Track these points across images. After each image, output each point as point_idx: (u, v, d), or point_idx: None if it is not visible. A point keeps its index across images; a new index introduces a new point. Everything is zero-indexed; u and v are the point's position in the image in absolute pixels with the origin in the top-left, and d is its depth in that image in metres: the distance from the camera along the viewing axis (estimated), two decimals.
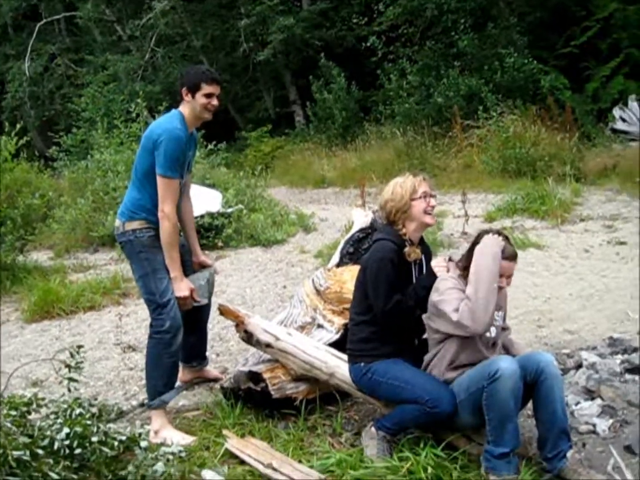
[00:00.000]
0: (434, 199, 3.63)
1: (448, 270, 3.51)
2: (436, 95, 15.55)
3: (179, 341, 4.03)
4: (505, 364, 3.15)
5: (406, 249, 3.55)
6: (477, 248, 3.37)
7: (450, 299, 3.31)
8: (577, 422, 3.66)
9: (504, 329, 3.64)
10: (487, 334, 3.41)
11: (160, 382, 4.00)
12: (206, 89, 4.01)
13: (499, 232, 3.46)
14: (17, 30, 25.64)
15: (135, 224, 4.04)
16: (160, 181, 3.93)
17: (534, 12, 16.18)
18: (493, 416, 3.15)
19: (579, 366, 4.31)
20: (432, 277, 3.50)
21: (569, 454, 3.22)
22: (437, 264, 3.57)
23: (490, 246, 3.34)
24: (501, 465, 3.14)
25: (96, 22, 23.56)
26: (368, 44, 17.22)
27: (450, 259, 3.62)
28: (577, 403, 3.83)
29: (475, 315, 3.19)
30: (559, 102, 13.94)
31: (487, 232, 3.48)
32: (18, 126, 8.77)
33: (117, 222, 4.14)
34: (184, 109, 4.09)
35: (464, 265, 3.46)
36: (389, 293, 3.46)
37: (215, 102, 4.07)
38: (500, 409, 3.13)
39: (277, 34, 19.24)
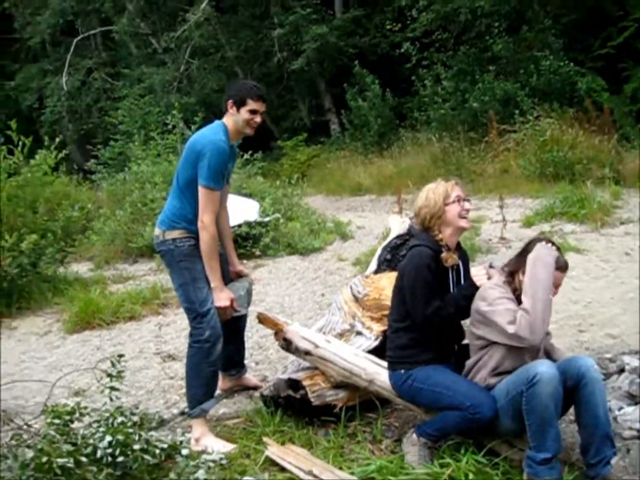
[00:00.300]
0: (468, 203, 3.62)
1: (489, 278, 3.48)
2: (471, 100, 15.44)
3: (218, 350, 4.04)
4: (543, 368, 3.12)
5: (443, 255, 3.54)
6: (531, 257, 3.32)
7: (502, 309, 3.27)
8: (621, 428, 3.58)
9: (547, 333, 3.59)
10: None
11: (200, 390, 4.02)
12: (251, 105, 4.05)
13: (550, 241, 3.43)
14: (54, 46, 26.08)
15: (175, 233, 4.07)
16: (202, 192, 3.94)
17: (569, 13, 15.99)
18: (533, 421, 3.12)
19: (621, 370, 4.23)
20: (474, 286, 3.47)
21: (613, 461, 3.17)
22: (477, 272, 3.54)
23: (545, 256, 3.30)
24: (544, 471, 3.10)
25: (131, 36, 23.86)
26: (402, 51, 17.16)
27: (491, 266, 3.59)
28: (620, 408, 3.76)
29: (534, 328, 3.16)
30: (597, 104, 13.74)
31: (539, 240, 3.44)
32: (57, 140, 8.92)
33: (157, 231, 4.17)
34: (228, 120, 4.12)
35: (510, 271, 3.44)
36: (428, 299, 3.44)
37: (258, 119, 4.10)
38: (540, 414, 3.09)
39: (311, 42, 19.30)
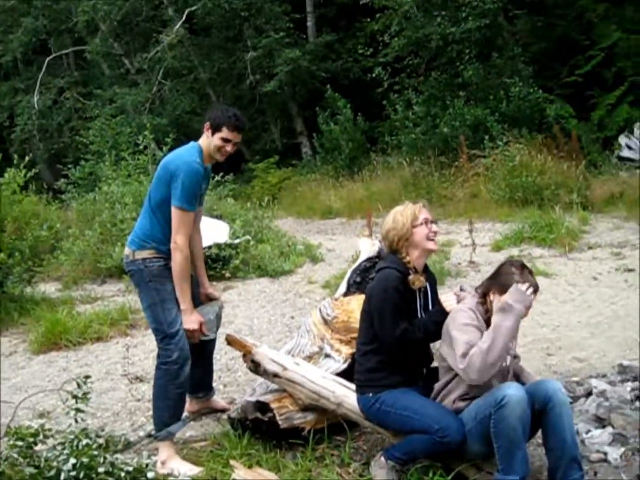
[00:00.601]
0: (435, 225, 3.65)
1: (459, 302, 3.49)
2: (442, 125, 15.60)
3: (186, 372, 4.01)
4: (512, 391, 3.13)
5: (410, 277, 3.55)
6: (504, 302, 3.26)
7: (462, 339, 3.25)
8: (588, 451, 3.62)
9: (515, 357, 3.61)
10: (503, 364, 3.38)
11: (166, 413, 3.98)
12: (225, 133, 4.02)
13: (523, 266, 3.41)
14: (26, 65, 25.95)
15: (145, 253, 4.04)
16: (175, 213, 3.93)
17: (538, 42, 16.28)
18: (501, 443, 3.13)
19: (588, 394, 4.28)
20: (443, 313, 3.48)
21: None
22: (447, 298, 3.55)
23: (517, 304, 3.23)
24: None
25: (104, 56, 23.79)
26: (374, 75, 17.31)
27: (461, 289, 3.61)
28: (588, 431, 3.80)
29: (482, 372, 3.16)
30: (565, 130, 13.95)
31: (511, 263, 3.45)
32: (27, 159, 8.84)
33: (127, 251, 4.14)
34: (203, 142, 4.12)
35: (483, 292, 3.45)
36: (396, 321, 3.46)
37: (229, 148, 4.07)
38: (508, 436, 3.10)
39: (283, 66, 19.39)
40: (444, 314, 3.47)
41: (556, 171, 12.34)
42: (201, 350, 4.42)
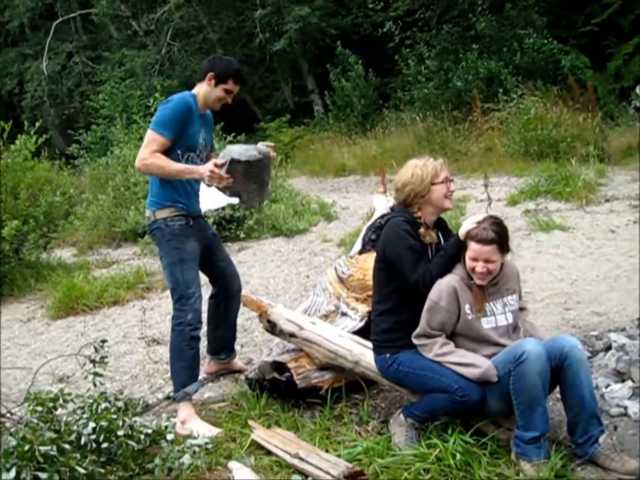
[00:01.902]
0: (452, 184, 3.56)
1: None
2: (455, 79, 15.39)
3: (199, 333, 4.02)
4: (530, 346, 3.10)
5: (421, 230, 3.47)
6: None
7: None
8: (608, 405, 3.59)
9: (521, 309, 3.55)
10: (504, 322, 3.36)
11: (183, 374, 3.99)
12: (230, 85, 4.05)
13: (490, 216, 3.40)
14: (34, 30, 25.74)
15: (165, 212, 4.03)
16: (147, 134, 3.93)
17: None
18: (521, 400, 3.11)
19: (608, 348, 4.23)
20: (458, 246, 3.38)
21: (600, 439, 3.17)
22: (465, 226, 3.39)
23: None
24: (531, 450, 3.09)
25: (112, 19, 23.57)
26: (384, 30, 17.06)
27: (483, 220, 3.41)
28: (607, 385, 3.77)
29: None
30: (581, 82, 13.71)
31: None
32: (37, 125, 8.79)
33: (148, 212, 4.14)
34: (199, 90, 4.09)
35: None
36: (415, 261, 3.39)
37: (229, 100, 4.10)
38: (528, 392, 3.08)
39: (293, 23, 19.09)
40: (457, 246, 3.38)
41: (572, 123, 12.17)
42: (225, 310, 4.46)
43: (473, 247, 3.26)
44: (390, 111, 17.61)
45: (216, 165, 3.76)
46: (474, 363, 3.24)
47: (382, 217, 5.25)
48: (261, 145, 4.01)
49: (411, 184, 3.49)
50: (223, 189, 3.86)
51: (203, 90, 4.07)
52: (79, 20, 25.26)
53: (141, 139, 11.86)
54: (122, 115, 14.95)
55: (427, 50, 16.61)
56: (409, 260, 3.39)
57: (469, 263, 3.29)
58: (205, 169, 3.79)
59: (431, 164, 3.52)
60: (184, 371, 4.00)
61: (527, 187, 9.82)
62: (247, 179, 3.88)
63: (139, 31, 23.16)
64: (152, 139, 3.89)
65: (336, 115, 19.13)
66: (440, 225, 3.66)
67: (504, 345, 3.30)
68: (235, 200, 4.08)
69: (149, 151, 3.86)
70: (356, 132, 17.65)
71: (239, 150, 3.86)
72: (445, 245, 3.50)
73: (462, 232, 3.35)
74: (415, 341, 3.39)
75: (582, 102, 12.82)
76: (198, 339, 4.03)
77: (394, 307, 3.51)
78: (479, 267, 3.26)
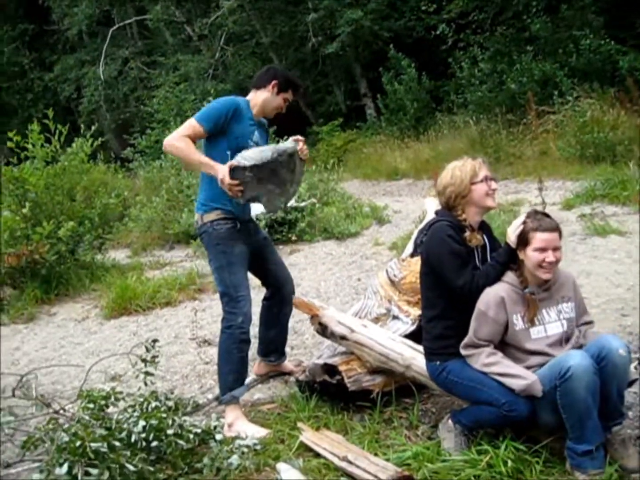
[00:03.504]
0: (494, 182, 3.47)
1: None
2: (509, 81, 15.21)
3: (249, 336, 4.02)
4: (575, 361, 2.97)
5: (467, 234, 3.40)
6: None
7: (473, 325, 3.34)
8: None
9: (588, 322, 3.43)
10: (558, 329, 3.27)
11: (230, 376, 3.99)
12: (290, 95, 4.22)
13: (535, 211, 3.33)
14: (91, 37, 26.34)
15: (212, 216, 4.05)
16: (188, 121, 3.99)
17: None
18: (570, 415, 3.01)
19: None
20: (508, 253, 3.31)
21: (614, 429, 3.15)
22: (513, 230, 3.32)
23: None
24: (586, 462, 2.99)
25: (166, 24, 23.98)
26: (438, 33, 16.95)
27: (528, 216, 3.34)
28: None
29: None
30: (639, 83, 13.42)
31: (526, 215, 3.32)
32: (93, 128, 8.96)
33: (196, 216, 4.18)
34: (257, 96, 4.16)
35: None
36: (459, 268, 3.32)
37: (284, 109, 4.27)
38: (577, 408, 2.98)
39: (346, 27, 19.10)
40: (509, 254, 3.31)
41: (629, 126, 11.89)
42: (277, 312, 4.46)
43: (540, 237, 3.18)
44: (443, 114, 17.51)
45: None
46: (520, 375, 3.15)
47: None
48: (289, 142, 4.00)
49: (451, 185, 3.44)
50: (239, 199, 3.85)
51: (263, 97, 4.14)
52: (134, 26, 25.76)
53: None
54: (177, 119, 15.14)
55: (480, 52, 16.45)
56: (452, 266, 3.33)
57: (536, 256, 3.18)
58: (221, 171, 3.79)
59: (470, 164, 3.47)
60: (232, 374, 3.99)
61: (582, 191, 9.62)
62: (260, 182, 3.84)
63: (192, 36, 23.48)
64: (189, 125, 3.97)
65: (388, 119, 19.09)
66: (485, 228, 3.60)
67: (553, 356, 3.19)
68: (260, 207, 4.08)
69: (181, 134, 3.93)
70: (409, 135, 17.59)
71: (249, 154, 3.79)
72: (495, 254, 3.43)
73: (512, 238, 3.28)
74: (462, 351, 3.33)
75: None
76: (248, 342, 4.03)
77: (442, 312, 3.44)
78: (550, 256, 3.17)
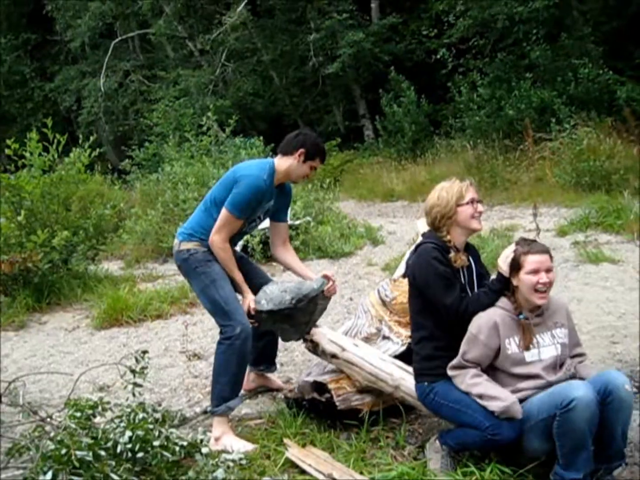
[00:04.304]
0: (481, 205, 3.51)
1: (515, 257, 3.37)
2: (507, 107, 15.31)
3: (248, 348, 4.01)
4: (579, 393, 2.96)
5: (452, 255, 3.44)
6: None
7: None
8: None
9: (580, 354, 3.45)
10: (552, 353, 3.27)
11: (227, 387, 3.97)
12: (317, 163, 4.21)
13: (524, 239, 3.38)
14: (93, 49, 26.44)
15: (190, 245, 4.13)
16: (223, 213, 4.03)
17: (610, 21, 15.79)
18: (564, 443, 3.00)
19: None
20: (502, 281, 3.34)
21: (616, 472, 3.14)
22: (503, 259, 3.36)
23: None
24: None
25: (168, 39, 24.12)
26: (438, 57, 17.09)
27: (517, 244, 3.39)
28: None
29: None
30: (636, 113, 13.53)
31: (516, 243, 3.37)
32: (91, 139, 8.98)
33: (175, 241, 4.23)
34: (282, 163, 4.18)
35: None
36: (445, 289, 3.35)
37: (312, 176, 4.31)
38: (573, 438, 2.98)
39: (347, 48, 19.26)
40: (501, 282, 3.34)
41: (625, 155, 11.99)
42: None
43: (532, 259, 3.22)
44: (440, 138, 17.62)
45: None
46: (499, 397, 3.15)
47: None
48: (318, 280, 4.20)
49: (437, 206, 3.49)
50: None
51: (289, 164, 4.16)
52: (136, 39, 25.89)
53: (192, 157, 12.19)
54: (175, 133, 15.20)
55: (480, 78, 16.57)
56: (439, 286, 3.37)
57: (529, 279, 3.21)
58: (248, 301, 4.05)
59: (457, 186, 3.50)
60: (228, 385, 3.97)
61: (577, 219, 9.66)
62: (274, 322, 4.09)
63: (194, 51, 23.61)
64: (228, 220, 4.03)
65: (386, 141, 19.19)
66: (470, 250, 3.64)
67: (547, 380, 3.21)
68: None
69: (225, 235, 4.04)
70: (406, 157, 17.66)
71: (269, 296, 4.03)
72: (488, 282, 3.45)
73: (504, 267, 3.32)
74: (449, 372, 3.34)
75: (637, 134, 12.66)
76: (247, 354, 4.02)
77: (431, 334, 3.47)
78: (544, 277, 3.20)
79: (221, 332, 4.02)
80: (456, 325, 3.35)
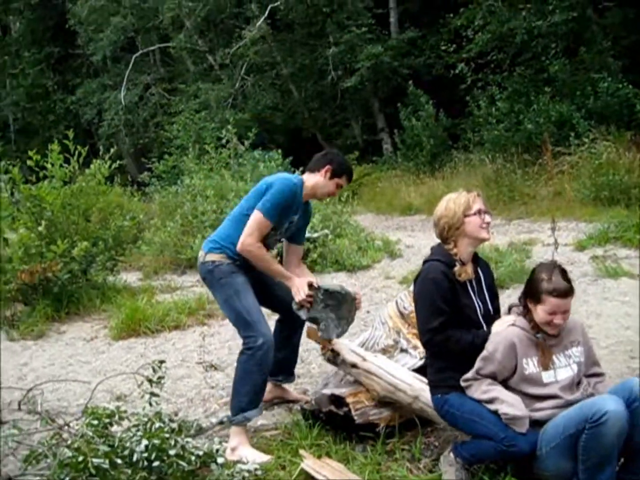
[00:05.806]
0: (488, 216, 3.51)
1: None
2: (526, 121, 15.25)
3: (270, 359, 4.01)
4: (612, 406, 2.91)
5: (456, 269, 3.43)
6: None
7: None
8: None
9: (599, 374, 3.42)
10: (568, 373, 3.25)
11: (246, 398, 3.97)
12: (343, 181, 4.27)
13: (553, 267, 3.27)
14: (114, 62, 26.75)
15: (215, 256, 4.15)
16: (254, 214, 4.03)
17: (629, 35, 15.71)
18: (590, 457, 2.95)
19: None
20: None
21: None
22: (501, 325, 3.39)
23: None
24: None
25: (189, 52, 24.33)
26: (457, 71, 17.08)
27: (510, 309, 3.46)
28: None
29: None
30: None
31: (541, 266, 3.32)
32: (112, 150, 9.07)
33: (200, 252, 4.26)
34: (309, 179, 4.24)
35: (524, 304, 3.35)
36: (430, 314, 3.37)
37: (337, 193, 4.37)
38: (601, 453, 2.93)
39: (365, 61, 19.31)
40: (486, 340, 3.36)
41: None
42: (289, 334, 4.51)
43: (553, 302, 3.16)
44: (459, 152, 17.57)
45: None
46: (512, 403, 3.14)
47: None
48: (349, 289, 4.31)
49: (445, 217, 3.50)
50: (302, 311, 4.11)
51: (315, 180, 4.21)
52: (157, 53, 26.15)
53: (211, 169, 12.25)
54: (195, 146, 15.27)
55: (498, 92, 16.52)
56: (425, 309, 3.41)
57: (544, 317, 3.19)
58: (298, 283, 4.07)
59: (464, 197, 3.52)
60: (247, 396, 3.97)
61: (595, 233, 9.60)
62: (325, 307, 4.14)
63: (214, 65, 23.79)
64: (260, 222, 4.03)
65: (405, 154, 19.18)
66: (479, 261, 3.64)
67: (564, 399, 3.18)
68: (313, 326, 4.29)
69: (256, 237, 4.03)
70: (424, 171, 17.64)
71: (323, 282, 4.26)
72: (481, 332, 3.42)
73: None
74: (462, 383, 3.33)
75: None
76: (268, 365, 4.01)
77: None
78: (558, 319, 3.19)
79: (244, 343, 4.03)
80: (427, 351, 3.47)
